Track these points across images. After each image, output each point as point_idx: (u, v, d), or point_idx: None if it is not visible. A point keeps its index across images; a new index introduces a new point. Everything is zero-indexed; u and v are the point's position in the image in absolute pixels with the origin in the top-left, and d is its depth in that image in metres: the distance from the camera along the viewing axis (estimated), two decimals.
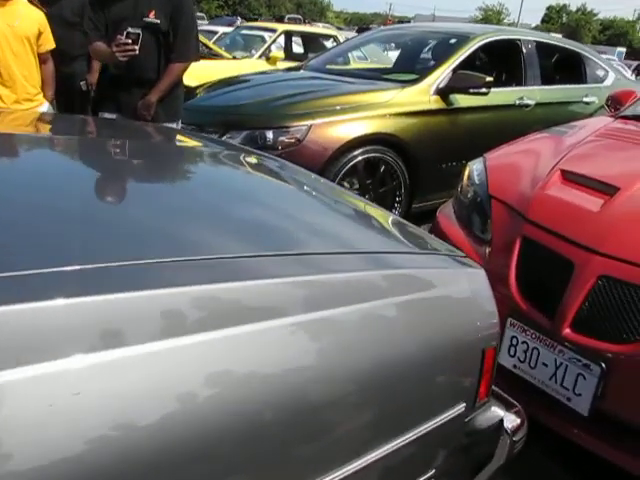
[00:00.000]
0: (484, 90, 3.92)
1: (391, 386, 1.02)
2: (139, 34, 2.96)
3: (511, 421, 1.33)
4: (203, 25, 14.31)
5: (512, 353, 1.79)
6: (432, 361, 1.07)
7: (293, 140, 3.62)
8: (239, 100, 4.03)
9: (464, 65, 4.20)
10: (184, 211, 1.15)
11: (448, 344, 1.09)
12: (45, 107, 3.64)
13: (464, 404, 1.16)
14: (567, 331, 1.65)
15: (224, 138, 3.70)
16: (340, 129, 3.71)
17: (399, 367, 1.01)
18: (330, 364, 0.91)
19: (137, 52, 2.98)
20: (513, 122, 4.23)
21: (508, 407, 1.37)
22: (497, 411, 1.29)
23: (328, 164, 3.68)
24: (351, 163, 3.76)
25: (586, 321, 1.64)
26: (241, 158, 1.77)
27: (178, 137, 2.26)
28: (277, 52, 7.35)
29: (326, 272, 1.00)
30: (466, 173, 2.49)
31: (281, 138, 3.62)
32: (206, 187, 1.43)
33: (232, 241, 1.03)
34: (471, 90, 3.93)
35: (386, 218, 1.48)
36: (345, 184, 3.82)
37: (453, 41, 4.44)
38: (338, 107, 3.75)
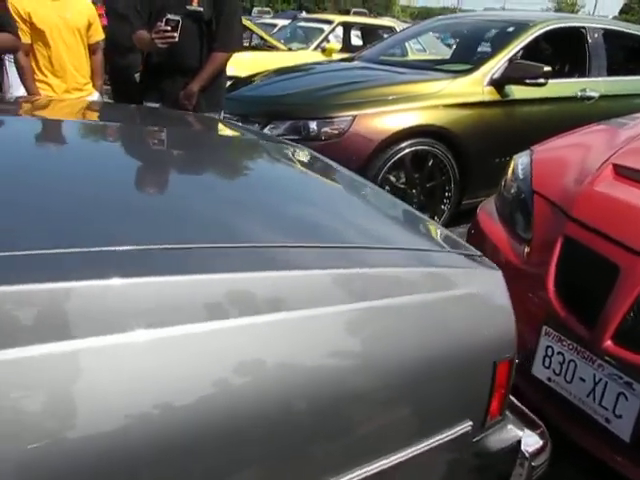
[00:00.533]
0: (542, 81, 3.68)
1: (383, 396, 0.91)
2: (179, 21, 2.93)
3: (531, 443, 1.18)
4: (266, 19, 14.38)
5: (547, 364, 1.62)
6: (429, 371, 0.94)
7: (337, 131, 3.52)
8: (284, 90, 3.96)
9: (524, 55, 3.97)
10: (223, 200, 1.13)
11: (450, 353, 0.96)
12: (95, 97, 3.69)
13: (470, 422, 1.03)
14: (608, 343, 1.47)
15: (267, 128, 3.65)
16: (386, 120, 3.57)
17: (391, 374, 0.90)
18: (314, 370, 0.83)
19: (176, 39, 2.96)
20: (574, 115, 3.95)
21: (531, 427, 1.23)
22: (514, 431, 1.15)
23: (373, 157, 3.55)
24: (397, 156, 3.62)
25: (630, 333, 1.45)
26: (275, 149, 1.71)
27: (216, 126, 2.23)
28: (333, 44, 7.24)
29: (323, 267, 0.91)
30: (511, 167, 2.31)
31: (324, 129, 3.52)
32: (239, 178, 1.41)
33: (266, 231, 1.00)
34: (527, 81, 3.70)
35: (399, 210, 1.35)
36: (391, 178, 3.69)
37: (511, 29, 4.20)
38: (385, 98, 3.62)
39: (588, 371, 1.50)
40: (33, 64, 3.31)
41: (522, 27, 4.09)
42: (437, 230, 1.25)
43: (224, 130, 2.14)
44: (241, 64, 5.99)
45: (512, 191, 2.18)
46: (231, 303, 0.77)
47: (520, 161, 2.25)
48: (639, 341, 1.44)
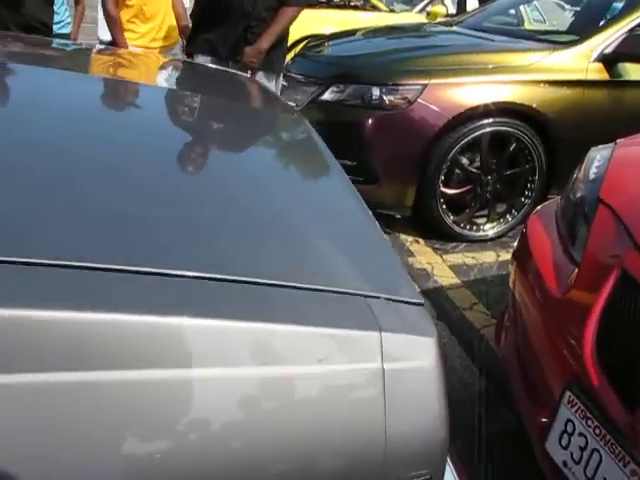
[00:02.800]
0: None
1: None
2: None
3: None
4: None
5: (564, 444, 1.15)
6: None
7: (402, 101, 3.07)
8: (354, 51, 3.53)
9: None
10: None
11: (301, 456, 0.57)
12: (177, 48, 3.59)
13: None
14: None
15: (329, 91, 3.28)
16: (462, 93, 3.06)
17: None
18: None
19: None
20: None
21: None
22: None
23: (442, 133, 3.07)
24: (472, 135, 3.10)
25: None
26: None
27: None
28: (439, 7, 6.58)
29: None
30: (584, 163, 1.78)
31: (389, 97, 3.08)
32: None
33: None
34: None
35: (330, 208, 0.93)
36: (463, 160, 3.19)
37: None
38: (463, 67, 3.09)
39: (616, 473, 1.03)
40: (122, 14, 3.26)
41: None
42: (367, 258, 0.79)
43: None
44: (339, 24, 5.58)
45: (578, 195, 1.66)
46: None
47: (597, 156, 1.72)
48: None
